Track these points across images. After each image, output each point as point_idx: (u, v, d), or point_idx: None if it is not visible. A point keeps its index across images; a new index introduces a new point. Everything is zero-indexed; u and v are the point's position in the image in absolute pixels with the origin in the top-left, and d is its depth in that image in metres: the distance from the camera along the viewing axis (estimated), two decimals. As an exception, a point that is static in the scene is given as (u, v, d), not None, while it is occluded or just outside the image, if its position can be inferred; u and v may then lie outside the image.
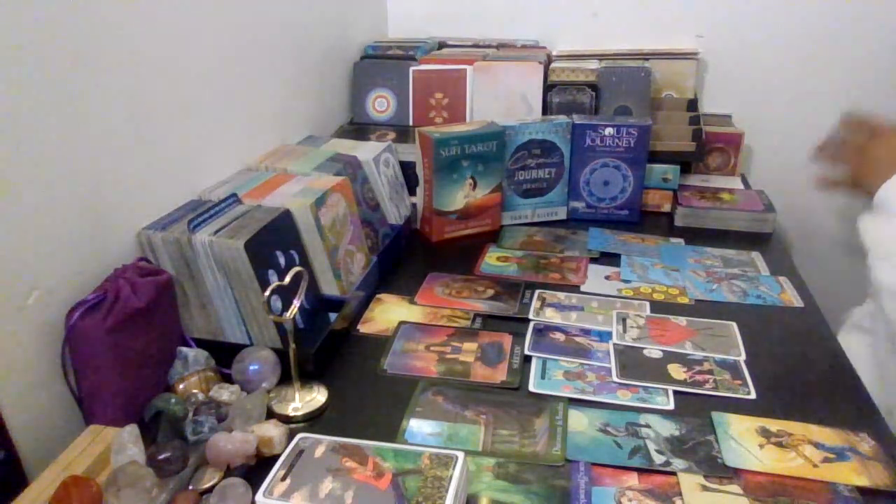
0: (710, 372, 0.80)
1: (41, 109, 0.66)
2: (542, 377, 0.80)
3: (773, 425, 0.72)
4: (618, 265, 1.07)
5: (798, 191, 1.56)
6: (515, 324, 0.91)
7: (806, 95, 1.50)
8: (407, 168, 1.21)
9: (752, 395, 0.77)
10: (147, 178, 0.82)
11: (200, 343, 0.80)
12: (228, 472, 0.65)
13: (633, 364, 0.82)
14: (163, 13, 0.83)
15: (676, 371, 0.80)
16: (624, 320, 0.90)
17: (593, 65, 1.37)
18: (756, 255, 1.10)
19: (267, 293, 0.70)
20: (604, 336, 0.88)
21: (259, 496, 0.56)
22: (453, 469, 0.58)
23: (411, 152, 1.20)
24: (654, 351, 0.84)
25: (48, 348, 0.68)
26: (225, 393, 0.73)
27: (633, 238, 1.17)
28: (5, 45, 0.62)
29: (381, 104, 1.41)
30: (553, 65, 1.37)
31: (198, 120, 0.92)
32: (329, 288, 0.92)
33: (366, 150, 1.13)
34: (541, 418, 0.73)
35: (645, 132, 1.18)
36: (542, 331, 0.89)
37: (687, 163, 1.33)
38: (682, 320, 0.91)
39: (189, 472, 0.64)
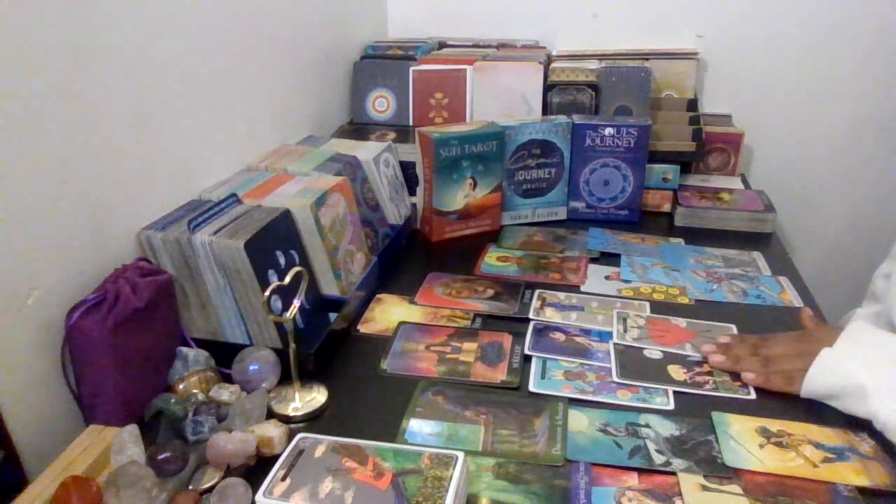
0: (709, 373, 0.80)
1: (41, 109, 0.66)
2: (542, 377, 0.80)
3: (773, 425, 0.72)
4: (618, 265, 1.07)
5: (798, 191, 1.57)
6: (515, 324, 0.91)
7: (806, 95, 1.51)
8: (407, 168, 1.21)
9: (752, 396, 0.77)
10: (147, 178, 0.83)
11: (200, 343, 0.80)
12: (228, 472, 0.65)
13: (633, 364, 0.82)
14: (163, 13, 0.83)
15: (676, 372, 0.80)
16: (624, 320, 0.90)
17: (593, 65, 1.37)
18: (757, 255, 1.10)
19: (267, 293, 0.70)
20: (604, 336, 0.88)
21: (259, 496, 0.56)
22: (453, 469, 0.58)
23: (411, 152, 1.20)
24: (654, 351, 0.84)
25: (48, 348, 0.68)
26: (225, 393, 0.73)
27: (633, 238, 1.17)
28: (5, 45, 0.62)
29: (381, 104, 1.42)
30: (553, 65, 1.37)
31: (198, 120, 0.92)
32: (329, 288, 0.92)
33: (366, 150, 1.12)
34: (541, 418, 0.73)
35: (645, 132, 1.18)
36: (542, 331, 0.89)
37: (687, 163, 1.33)
38: (683, 322, 0.91)
39: (189, 472, 0.64)
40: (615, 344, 0.86)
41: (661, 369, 0.81)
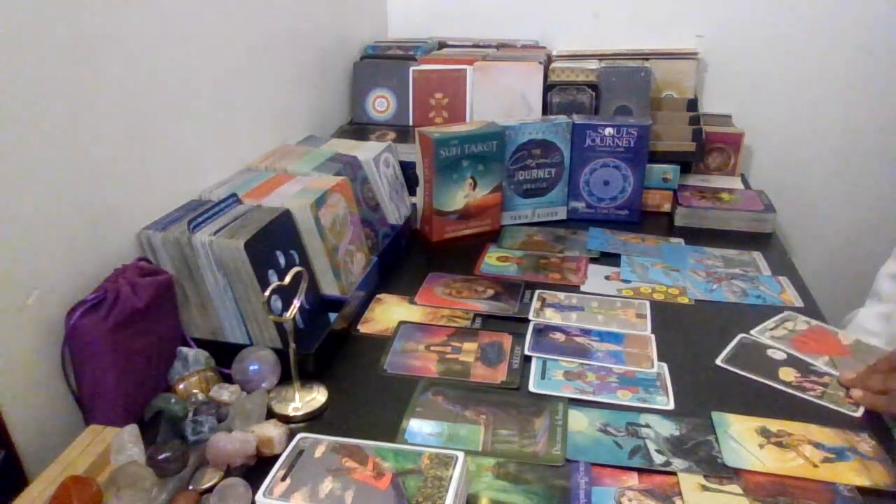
0: (824, 384, 0.79)
1: (41, 109, 0.66)
2: (542, 377, 0.80)
3: (773, 425, 0.72)
4: (618, 265, 1.07)
5: (798, 191, 1.57)
6: (515, 324, 0.91)
7: (806, 95, 1.51)
8: (407, 168, 1.21)
9: (858, 414, 0.74)
10: (147, 178, 0.83)
11: (200, 343, 0.80)
12: (228, 472, 0.65)
13: (746, 356, 0.83)
14: (163, 13, 0.83)
15: (787, 374, 0.80)
16: (785, 321, 0.90)
17: (593, 65, 1.37)
18: (757, 255, 1.10)
19: (267, 293, 0.70)
20: (604, 336, 0.88)
21: (259, 496, 0.56)
22: (453, 469, 0.58)
23: (411, 152, 1.20)
24: (778, 352, 0.84)
25: (48, 348, 0.68)
26: (225, 393, 0.73)
27: (633, 238, 1.17)
28: (6, 46, 0.62)
29: (381, 104, 1.42)
30: (553, 65, 1.37)
31: (198, 120, 0.92)
32: (329, 288, 0.92)
33: (366, 150, 1.12)
34: (541, 418, 0.73)
35: (645, 132, 1.18)
36: (542, 331, 0.89)
37: (687, 163, 1.33)
38: (849, 340, 0.87)
39: (189, 472, 0.64)
40: (744, 336, 0.86)
41: (772, 369, 0.81)
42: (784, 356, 0.84)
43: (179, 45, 0.87)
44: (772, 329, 0.89)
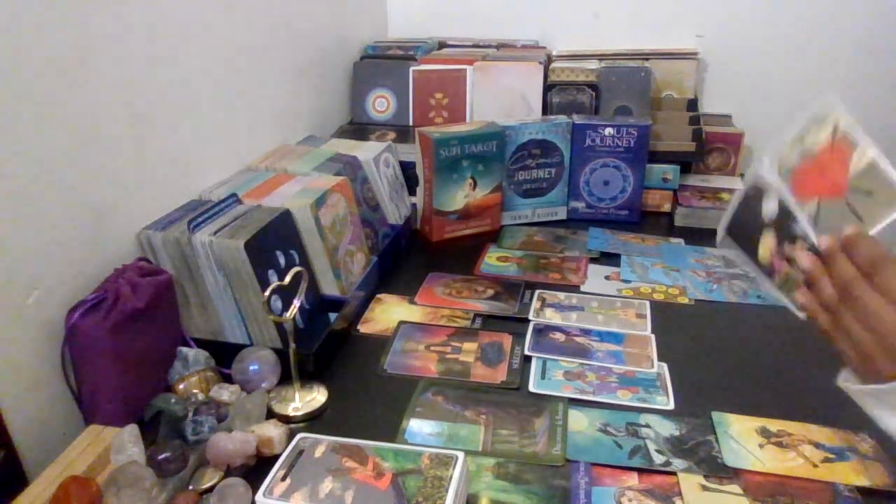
0: (790, 259, 0.63)
1: (41, 109, 0.66)
2: (542, 377, 0.80)
3: (773, 425, 0.72)
4: (618, 265, 1.07)
5: (798, 191, 1.56)
6: (515, 324, 0.91)
7: (806, 95, 1.49)
8: (407, 168, 1.21)
9: (803, 316, 0.61)
10: (147, 178, 0.83)
11: (200, 343, 0.80)
12: (228, 472, 0.65)
13: (746, 213, 0.70)
14: (163, 13, 0.83)
15: (765, 247, 0.66)
16: (819, 121, 0.69)
17: (593, 65, 1.37)
18: (756, 255, 1.09)
19: (267, 293, 0.70)
20: (604, 336, 0.88)
21: (259, 496, 0.56)
22: (453, 469, 0.58)
23: (411, 152, 1.20)
24: (771, 204, 0.67)
25: (48, 348, 0.68)
26: (225, 393, 0.73)
27: (633, 238, 1.17)
28: (6, 46, 0.62)
29: (381, 104, 1.42)
30: (553, 65, 1.37)
31: (198, 120, 0.92)
32: (329, 288, 0.92)
33: (366, 150, 1.12)
34: (541, 418, 0.73)
35: (645, 132, 1.18)
36: (542, 331, 0.89)
37: (687, 163, 1.33)
38: (865, 160, 0.63)
39: (189, 472, 0.64)
40: (757, 178, 0.69)
41: (755, 242, 0.68)
42: (774, 209, 0.66)
43: (180, 45, 0.87)
44: (798, 137, 0.70)
